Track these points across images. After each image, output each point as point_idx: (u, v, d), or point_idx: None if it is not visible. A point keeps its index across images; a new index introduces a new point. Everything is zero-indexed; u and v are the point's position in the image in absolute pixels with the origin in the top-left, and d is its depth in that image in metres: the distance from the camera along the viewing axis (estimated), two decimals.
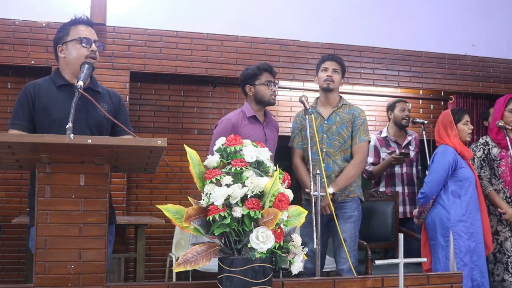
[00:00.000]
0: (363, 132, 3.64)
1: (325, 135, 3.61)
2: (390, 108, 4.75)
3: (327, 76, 3.62)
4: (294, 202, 2.07)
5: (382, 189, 4.61)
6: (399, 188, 4.58)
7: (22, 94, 2.57)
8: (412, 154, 4.65)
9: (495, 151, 4.01)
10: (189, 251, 1.93)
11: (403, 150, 4.59)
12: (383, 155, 4.61)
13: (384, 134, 4.72)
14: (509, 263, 3.87)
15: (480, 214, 3.69)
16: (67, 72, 2.61)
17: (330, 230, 3.66)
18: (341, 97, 3.75)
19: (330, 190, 3.46)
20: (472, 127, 3.85)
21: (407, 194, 4.60)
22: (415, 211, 3.85)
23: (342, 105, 3.68)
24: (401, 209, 4.53)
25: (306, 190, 3.50)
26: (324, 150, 3.59)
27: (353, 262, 3.50)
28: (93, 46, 2.60)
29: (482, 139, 4.10)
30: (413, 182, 4.65)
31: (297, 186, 4.57)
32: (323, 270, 3.77)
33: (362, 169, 3.69)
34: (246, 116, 3.48)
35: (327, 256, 3.93)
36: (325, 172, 3.53)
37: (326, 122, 3.63)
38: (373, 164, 4.60)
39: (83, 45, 2.58)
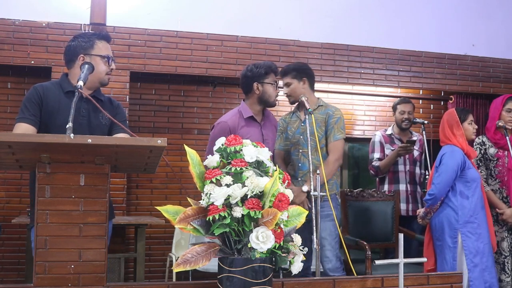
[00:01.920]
0: (338, 130, 3.60)
1: (301, 136, 3.62)
2: (393, 109, 4.76)
3: (285, 93, 3.64)
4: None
5: (386, 186, 4.60)
6: (402, 186, 4.56)
7: (32, 92, 2.59)
8: (416, 154, 4.64)
9: (492, 151, 4.01)
10: (188, 251, 1.93)
11: (407, 155, 4.57)
12: (387, 151, 4.61)
13: (389, 132, 4.73)
14: (505, 263, 3.88)
15: (485, 214, 3.68)
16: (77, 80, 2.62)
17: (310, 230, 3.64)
18: (318, 98, 3.76)
19: (304, 188, 3.44)
20: (477, 127, 3.83)
21: (410, 192, 4.59)
22: (421, 211, 3.81)
23: (318, 106, 3.68)
24: (404, 206, 4.51)
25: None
26: (301, 150, 3.62)
27: (337, 261, 3.50)
28: (113, 65, 2.72)
29: (479, 138, 4.09)
30: (415, 181, 4.64)
31: None
32: (312, 271, 3.75)
33: (337, 167, 3.62)
34: (243, 117, 3.47)
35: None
36: (301, 171, 3.59)
37: (302, 124, 3.63)
38: (379, 159, 4.59)
39: (110, 64, 2.69)
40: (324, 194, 3.30)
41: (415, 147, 4.61)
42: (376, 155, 4.61)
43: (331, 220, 3.53)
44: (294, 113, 3.73)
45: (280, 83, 3.71)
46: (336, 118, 3.61)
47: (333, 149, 3.58)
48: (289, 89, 3.64)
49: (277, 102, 3.59)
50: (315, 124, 3.58)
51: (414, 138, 4.60)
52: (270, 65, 3.54)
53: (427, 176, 4.58)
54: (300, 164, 3.59)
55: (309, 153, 3.37)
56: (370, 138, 4.86)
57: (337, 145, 3.58)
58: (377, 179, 4.77)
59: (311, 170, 3.30)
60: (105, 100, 2.74)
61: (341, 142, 3.62)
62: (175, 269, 1.91)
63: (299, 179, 3.55)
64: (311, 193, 3.22)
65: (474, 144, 4.08)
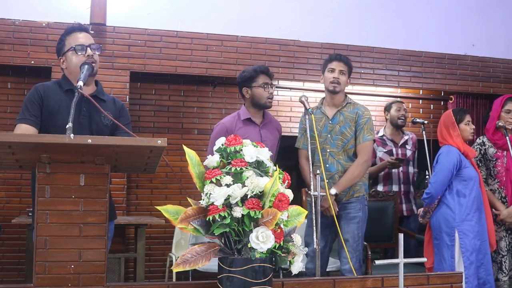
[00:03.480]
0: (367, 131, 3.56)
1: (329, 135, 3.56)
2: (387, 108, 4.79)
3: (334, 78, 3.56)
4: (293, 202, 2.07)
5: (379, 187, 4.61)
6: (395, 187, 4.58)
7: (33, 92, 2.60)
8: (409, 153, 4.66)
9: (491, 151, 4.03)
10: (188, 251, 1.93)
11: (400, 151, 4.60)
12: (380, 154, 4.62)
13: (380, 134, 4.74)
14: (503, 263, 3.89)
15: (484, 212, 3.71)
16: (73, 80, 2.65)
17: (335, 231, 3.64)
18: (346, 96, 3.68)
19: (332, 191, 3.43)
20: (474, 127, 3.86)
21: (403, 192, 4.61)
22: (420, 211, 3.85)
23: (346, 104, 3.62)
24: (399, 207, 4.53)
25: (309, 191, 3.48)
26: (328, 150, 3.55)
27: (356, 263, 3.48)
28: (88, 51, 2.63)
29: (479, 139, 4.12)
30: (409, 181, 4.65)
31: (297, 185, 4.57)
32: (326, 270, 3.77)
33: (366, 168, 3.61)
34: (240, 119, 3.50)
35: (330, 257, 3.91)
36: (328, 172, 3.52)
37: (330, 122, 3.58)
38: None
39: (78, 52, 2.62)
40: (324, 194, 3.31)
41: (407, 146, 4.65)
42: None
43: (356, 223, 3.53)
44: (319, 109, 3.64)
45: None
46: (366, 118, 3.59)
47: (362, 150, 3.56)
48: (342, 77, 3.58)
49: (270, 102, 3.52)
50: (344, 123, 3.57)
51: (408, 152, 4.61)
52: (256, 69, 3.52)
53: (427, 177, 4.60)
54: (327, 165, 3.52)
55: (309, 152, 3.37)
56: None
57: (367, 146, 3.57)
58: (370, 180, 4.78)
59: (310, 169, 3.31)
60: (108, 100, 2.72)
61: (371, 143, 3.60)
62: (175, 269, 1.90)
63: (327, 181, 3.46)
64: (311, 193, 3.22)
65: (475, 144, 4.11)
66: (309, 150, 3.38)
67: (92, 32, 2.81)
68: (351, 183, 3.52)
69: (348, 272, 3.45)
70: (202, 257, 1.92)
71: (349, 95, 3.75)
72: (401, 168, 4.60)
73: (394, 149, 4.62)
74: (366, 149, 3.57)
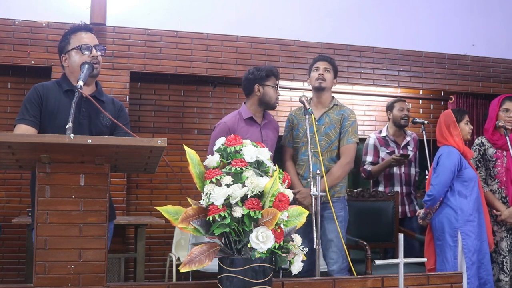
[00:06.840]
0: (352, 134, 3.61)
1: (314, 136, 3.61)
2: (389, 108, 4.75)
3: (319, 74, 3.63)
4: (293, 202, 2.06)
5: (381, 189, 4.60)
6: (397, 188, 4.57)
7: (32, 92, 2.59)
8: (410, 154, 4.65)
9: (490, 151, 4.03)
10: (193, 251, 1.93)
11: (402, 151, 4.59)
12: (382, 154, 4.61)
13: (383, 134, 4.71)
14: (504, 263, 3.89)
15: (483, 212, 3.72)
16: (73, 79, 2.65)
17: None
18: (333, 97, 3.73)
19: (313, 190, 3.43)
20: (472, 127, 3.87)
21: (405, 194, 4.60)
22: (421, 212, 3.83)
23: (333, 105, 3.67)
24: (400, 209, 4.52)
25: (293, 191, 3.46)
26: (312, 150, 3.57)
27: (343, 262, 3.50)
28: (94, 52, 2.64)
29: (478, 140, 4.12)
30: (410, 182, 4.65)
31: None
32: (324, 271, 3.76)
33: (348, 170, 3.64)
34: (242, 118, 3.50)
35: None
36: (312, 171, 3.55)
37: (317, 122, 3.60)
38: (372, 163, 4.58)
39: (84, 52, 2.62)
40: (324, 194, 3.31)
41: (409, 147, 4.64)
42: (369, 158, 4.60)
43: (339, 222, 3.52)
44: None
45: (280, 83, 3.71)
46: (351, 121, 3.63)
47: (345, 152, 3.59)
48: (327, 74, 3.64)
49: (277, 104, 3.61)
50: (330, 125, 3.60)
51: (409, 153, 4.60)
52: (271, 69, 3.59)
53: (427, 177, 4.59)
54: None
55: (309, 153, 3.36)
56: None
57: (350, 148, 3.60)
58: (371, 181, 4.77)
59: (310, 169, 3.30)
60: (107, 101, 2.72)
61: (354, 146, 3.64)
62: (182, 270, 1.90)
63: (308, 180, 3.49)
64: (311, 193, 3.21)
65: (474, 145, 4.11)
66: (309, 149, 3.37)
67: (93, 32, 2.79)
68: (333, 183, 3.54)
69: (337, 273, 3.45)
70: (205, 257, 1.92)
71: (347, 95, 3.76)
72: (402, 169, 4.59)
73: (396, 150, 4.61)
74: (349, 151, 3.60)
